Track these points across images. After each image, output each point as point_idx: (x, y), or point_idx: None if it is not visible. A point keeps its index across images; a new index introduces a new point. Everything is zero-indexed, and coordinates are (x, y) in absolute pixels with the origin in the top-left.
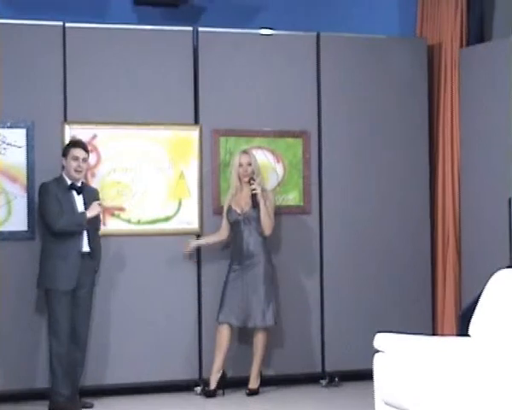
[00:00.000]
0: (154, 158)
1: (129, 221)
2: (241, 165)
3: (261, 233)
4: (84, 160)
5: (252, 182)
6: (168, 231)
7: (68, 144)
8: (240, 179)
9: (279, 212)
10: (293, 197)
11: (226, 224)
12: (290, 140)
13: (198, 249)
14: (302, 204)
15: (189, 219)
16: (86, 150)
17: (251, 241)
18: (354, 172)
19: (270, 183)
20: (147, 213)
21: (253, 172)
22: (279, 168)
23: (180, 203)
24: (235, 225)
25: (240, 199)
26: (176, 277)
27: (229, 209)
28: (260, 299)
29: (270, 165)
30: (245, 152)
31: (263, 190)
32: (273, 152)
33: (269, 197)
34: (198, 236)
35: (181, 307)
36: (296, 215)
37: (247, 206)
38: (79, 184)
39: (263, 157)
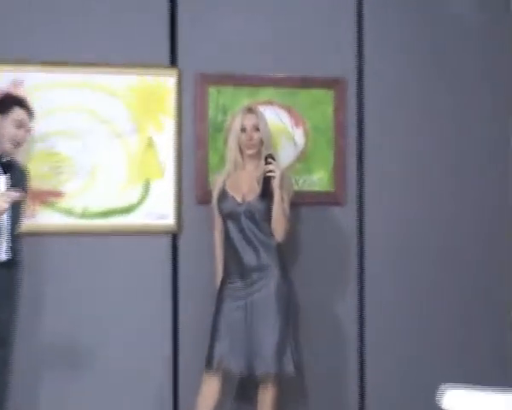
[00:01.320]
0: (108, 117)
1: (69, 212)
2: (243, 129)
3: (270, 234)
4: (28, 130)
5: (269, 161)
6: (129, 227)
7: (8, 99)
8: (241, 151)
9: (297, 201)
10: (318, 179)
11: (220, 218)
12: (316, 92)
13: (174, 251)
14: (333, 190)
15: (160, 210)
16: (32, 114)
17: (256, 246)
18: (412, 143)
19: (285, 157)
20: (97, 201)
21: (261, 142)
22: (298, 135)
23: (147, 187)
24: (230, 220)
25: (240, 181)
26: (140, 295)
27: (223, 195)
28: (273, 334)
29: (284, 129)
30: (250, 110)
31: (282, 175)
32: (289, 110)
33: (287, 187)
34: (174, 235)
35: (149, 342)
36: (323, 207)
37: (252, 192)
38: (5, 160)
39: (274, 118)
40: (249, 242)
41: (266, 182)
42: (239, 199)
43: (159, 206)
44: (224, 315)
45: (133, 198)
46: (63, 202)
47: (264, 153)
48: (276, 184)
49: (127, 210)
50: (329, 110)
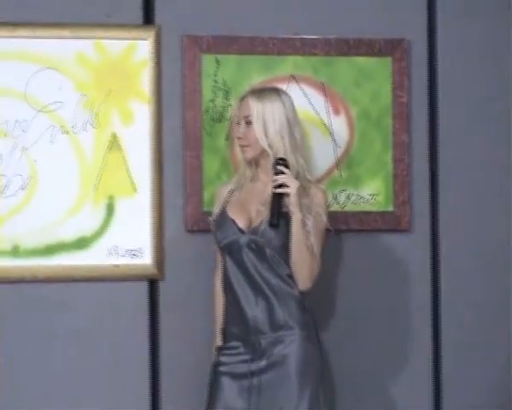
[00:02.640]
0: (50, 104)
1: None
2: (237, 122)
3: (290, 279)
4: None
5: (279, 169)
6: (82, 271)
7: None
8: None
9: (339, 224)
10: (371, 194)
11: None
12: (365, 62)
13: (152, 307)
14: (392, 209)
15: (131, 243)
16: None
17: (267, 295)
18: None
19: (318, 162)
20: (34, 232)
21: (254, 140)
22: (338, 127)
23: (111, 208)
24: (229, 256)
25: (248, 198)
26: (100, 363)
27: (222, 218)
28: None
29: (315, 119)
30: (247, 95)
31: (302, 183)
32: (324, 89)
33: (315, 207)
34: (152, 282)
35: None
36: (378, 234)
37: (262, 216)
38: None
39: (300, 101)
40: (255, 288)
41: (277, 201)
42: (241, 224)
43: (129, 237)
44: (220, 403)
45: (89, 226)
46: None
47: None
48: (291, 202)
49: (80, 245)
50: (385, 89)
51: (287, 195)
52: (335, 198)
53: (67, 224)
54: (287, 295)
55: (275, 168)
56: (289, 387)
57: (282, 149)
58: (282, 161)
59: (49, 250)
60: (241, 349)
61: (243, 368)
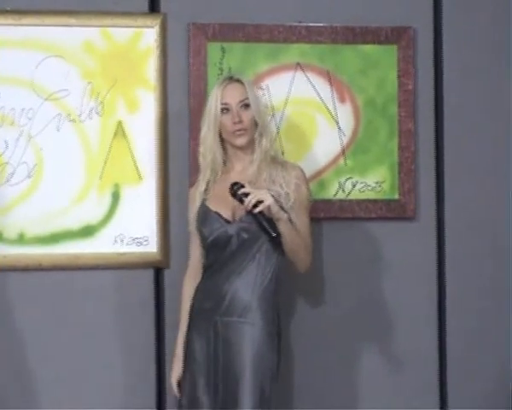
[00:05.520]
0: (56, 92)
1: (0, 238)
2: (225, 109)
3: (269, 272)
4: None
5: (244, 191)
6: (88, 259)
7: None
8: (224, 144)
9: (344, 215)
10: (377, 182)
11: (198, 249)
12: (371, 49)
13: (157, 294)
14: (397, 197)
15: (136, 231)
16: None
17: (238, 284)
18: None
19: (324, 150)
20: (39, 220)
21: (253, 125)
22: (344, 115)
23: (117, 197)
24: (215, 251)
25: (226, 190)
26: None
27: (204, 213)
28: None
29: (321, 107)
30: (232, 79)
31: (278, 160)
32: (330, 77)
33: (294, 179)
34: (158, 270)
35: None
36: (384, 222)
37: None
38: None
39: (305, 89)
40: (229, 275)
41: (262, 218)
42: (226, 215)
43: (134, 225)
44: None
45: (95, 214)
46: None
47: (264, 143)
48: (273, 212)
49: (85, 233)
50: (391, 76)
51: (267, 207)
52: (341, 186)
53: (73, 212)
54: (259, 287)
55: (236, 195)
56: (241, 376)
57: (267, 131)
58: (237, 186)
59: (55, 238)
60: (207, 303)
61: (207, 315)
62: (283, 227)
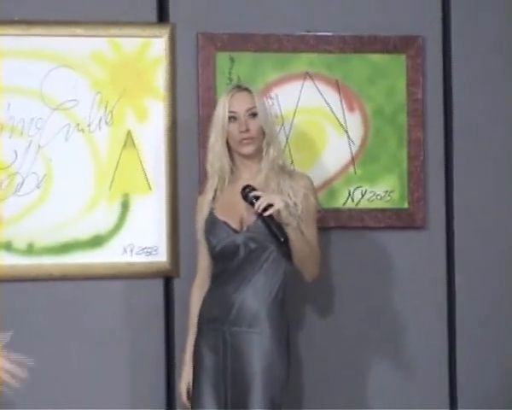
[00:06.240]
0: (65, 102)
1: (7, 247)
2: (232, 117)
3: (277, 281)
4: None
5: (254, 194)
6: (97, 269)
7: None
8: (231, 153)
9: (353, 224)
10: (386, 191)
11: (206, 258)
12: (379, 59)
13: (167, 304)
14: (406, 206)
15: (146, 241)
16: None
17: (246, 293)
18: None
19: (333, 159)
20: (49, 231)
21: (261, 134)
22: (353, 124)
23: (126, 206)
24: (223, 260)
25: (234, 198)
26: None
27: (212, 222)
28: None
29: (330, 116)
30: (240, 87)
31: (286, 170)
32: (339, 86)
33: (302, 189)
34: (168, 279)
35: None
36: (393, 231)
37: (252, 212)
38: None
39: (314, 98)
40: (238, 283)
41: (271, 222)
42: (234, 225)
43: (144, 235)
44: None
45: (104, 224)
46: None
47: (272, 152)
48: (283, 216)
49: (95, 243)
50: (400, 86)
51: (278, 211)
52: (350, 195)
53: (82, 222)
54: (268, 296)
55: (248, 197)
56: (251, 386)
57: (275, 140)
58: (248, 188)
59: (64, 248)
60: (216, 312)
61: (216, 325)
62: (292, 233)
